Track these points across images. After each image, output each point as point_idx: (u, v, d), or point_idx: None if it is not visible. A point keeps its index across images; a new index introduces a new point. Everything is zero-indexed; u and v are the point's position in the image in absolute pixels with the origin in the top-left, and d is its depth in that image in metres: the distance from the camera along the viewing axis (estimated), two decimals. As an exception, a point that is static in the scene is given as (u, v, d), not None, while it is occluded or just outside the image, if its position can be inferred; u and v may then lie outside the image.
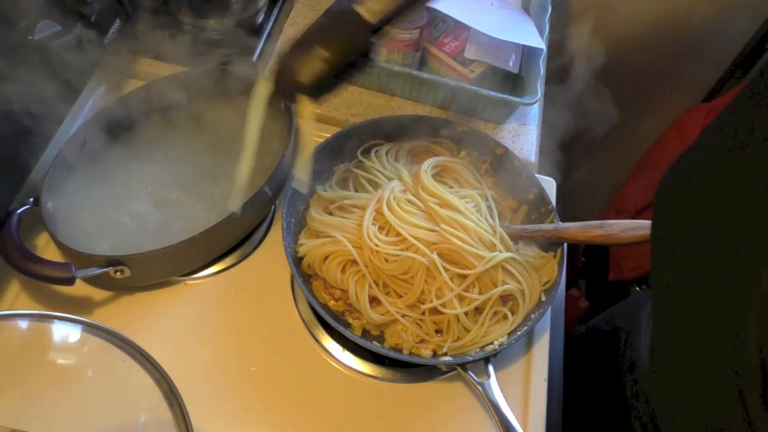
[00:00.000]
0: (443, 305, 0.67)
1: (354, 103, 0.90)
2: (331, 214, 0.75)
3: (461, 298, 0.68)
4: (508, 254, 0.70)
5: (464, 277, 0.69)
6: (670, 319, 0.46)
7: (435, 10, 0.88)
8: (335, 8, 0.52)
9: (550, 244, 0.75)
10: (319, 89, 0.53)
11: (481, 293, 0.69)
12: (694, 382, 0.42)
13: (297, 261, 0.72)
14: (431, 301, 0.67)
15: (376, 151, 0.80)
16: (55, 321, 0.54)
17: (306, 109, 0.54)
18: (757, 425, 0.36)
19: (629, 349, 0.72)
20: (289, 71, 0.52)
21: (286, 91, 0.53)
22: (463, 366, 0.66)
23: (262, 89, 0.55)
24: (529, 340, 0.73)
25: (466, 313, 0.68)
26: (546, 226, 0.74)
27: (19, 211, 0.66)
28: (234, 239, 0.74)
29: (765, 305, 0.35)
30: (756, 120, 0.39)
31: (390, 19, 0.51)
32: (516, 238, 0.74)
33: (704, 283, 0.42)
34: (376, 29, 0.51)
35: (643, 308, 0.73)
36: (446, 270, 0.68)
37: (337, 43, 0.51)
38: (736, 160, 0.41)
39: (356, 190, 0.77)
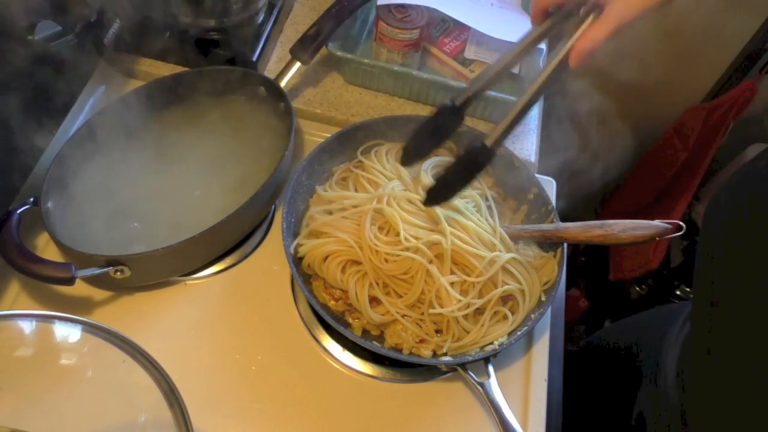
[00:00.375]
0: (441, 305, 0.67)
1: (354, 103, 0.90)
2: (331, 214, 0.75)
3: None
4: (510, 255, 0.70)
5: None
6: (715, 340, 0.45)
7: (435, 10, 0.88)
8: (472, 147, 0.65)
9: (550, 244, 0.75)
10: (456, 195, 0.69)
11: (481, 294, 0.69)
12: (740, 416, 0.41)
13: (297, 261, 0.72)
14: (431, 301, 0.67)
15: (376, 151, 0.80)
16: (55, 321, 0.54)
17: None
18: None
19: (647, 364, 0.71)
20: (441, 197, 0.68)
21: (435, 204, 0.69)
22: (463, 366, 0.66)
23: (417, 199, 0.72)
24: (529, 340, 0.73)
25: (465, 316, 0.68)
26: (546, 226, 0.74)
27: (19, 211, 0.66)
28: (234, 239, 0.74)
29: None
30: None
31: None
32: (516, 238, 0.74)
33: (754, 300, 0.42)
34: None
35: (669, 323, 0.70)
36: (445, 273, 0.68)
37: (471, 173, 0.66)
38: None
39: (356, 190, 0.77)
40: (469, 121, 0.89)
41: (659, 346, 0.68)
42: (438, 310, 0.67)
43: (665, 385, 0.63)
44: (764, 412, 0.40)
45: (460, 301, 0.67)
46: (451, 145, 0.81)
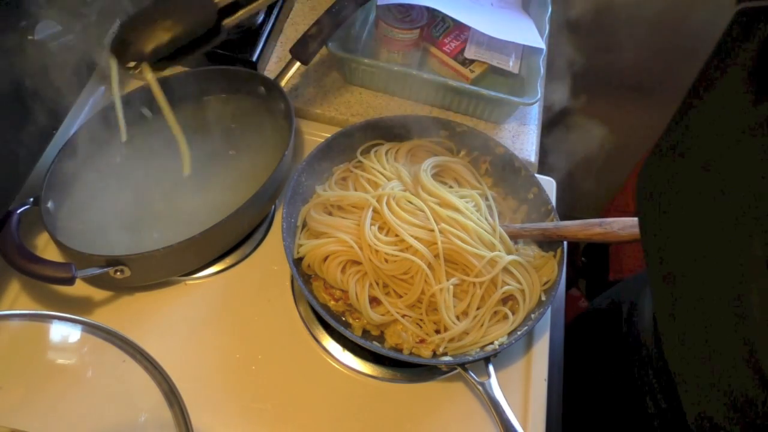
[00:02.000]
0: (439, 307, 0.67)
1: (354, 103, 0.90)
2: (330, 214, 0.75)
3: (460, 299, 0.69)
4: (511, 257, 0.70)
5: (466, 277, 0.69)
6: (670, 290, 0.47)
7: (435, 10, 0.88)
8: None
9: (550, 243, 0.75)
10: (161, 60, 0.53)
11: (483, 299, 0.69)
12: (704, 350, 0.43)
13: (297, 261, 0.72)
14: (430, 301, 0.68)
15: (376, 151, 0.80)
16: (55, 321, 0.54)
17: (147, 76, 0.54)
18: None
19: (633, 321, 0.72)
20: (135, 42, 0.51)
21: (128, 59, 0.53)
22: (464, 366, 0.66)
23: (113, 67, 0.55)
24: (529, 340, 0.73)
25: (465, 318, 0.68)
26: (546, 224, 0.74)
27: (19, 211, 0.66)
28: (234, 239, 0.74)
29: (763, 274, 0.37)
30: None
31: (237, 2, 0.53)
32: (516, 236, 0.74)
33: (699, 254, 0.43)
34: (223, 9, 0.53)
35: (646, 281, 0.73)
36: (447, 273, 0.68)
37: (185, 18, 0.51)
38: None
39: (356, 190, 0.77)
40: (468, 121, 0.89)
41: (637, 303, 0.71)
42: (446, 334, 0.67)
43: (646, 340, 0.64)
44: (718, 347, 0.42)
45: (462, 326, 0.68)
46: (451, 145, 0.81)
